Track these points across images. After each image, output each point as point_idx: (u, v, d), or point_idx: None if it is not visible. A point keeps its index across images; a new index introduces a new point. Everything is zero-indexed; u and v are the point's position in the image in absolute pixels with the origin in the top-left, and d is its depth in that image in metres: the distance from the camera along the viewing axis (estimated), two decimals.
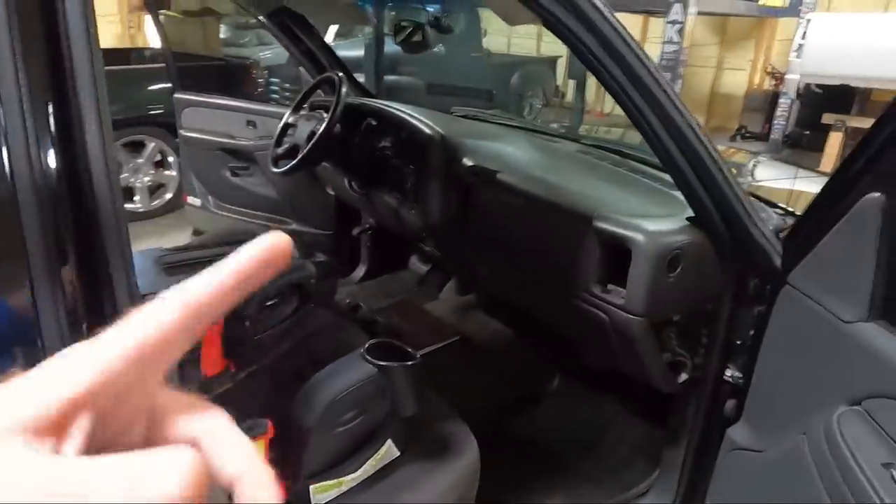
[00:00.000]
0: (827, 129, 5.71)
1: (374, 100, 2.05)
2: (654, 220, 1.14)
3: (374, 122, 1.80)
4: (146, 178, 4.14)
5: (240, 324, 1.26)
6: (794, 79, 5.74)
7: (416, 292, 2.35)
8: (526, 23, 0.95)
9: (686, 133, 1.00)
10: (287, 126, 2.00)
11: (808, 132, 6.88)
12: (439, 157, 1.52)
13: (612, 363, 1.35)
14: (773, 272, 1.13)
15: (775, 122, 6.93)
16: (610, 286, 1.17)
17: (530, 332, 1.84)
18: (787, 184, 1.66)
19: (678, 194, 1.31)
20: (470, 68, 7.67)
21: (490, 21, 7.66)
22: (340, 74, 1.85)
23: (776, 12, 6.57)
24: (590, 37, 0.89)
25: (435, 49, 7.19)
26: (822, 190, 0.93)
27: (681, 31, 3.62)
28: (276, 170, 1.90)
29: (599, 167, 1.53)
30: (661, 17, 5.30)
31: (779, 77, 7.69)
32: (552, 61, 9.01)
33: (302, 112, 2.01)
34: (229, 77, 4.58)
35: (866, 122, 5.68)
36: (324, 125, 1.76)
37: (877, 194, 0.80)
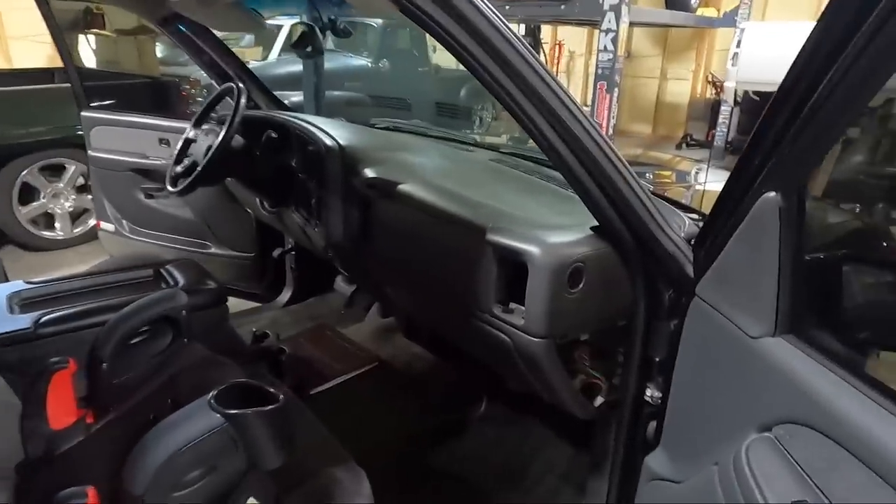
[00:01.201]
0: None
1: (280, 111, 1.92)
2: (555, 231, 1.03)
3: (274, 135, 1.67)
4: (67, 204, 3.89)
5: (96, 366, 1.10)
6: (731, 86, 5.85)
7: (342, 315, 2.21)
8: (382, 12, 0.84)
9: (578, 134, 0.90)
10: (188, 142, 1.85)
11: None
12: (337, 170, 1.39)
13: (528, 388, 1.24)
14: (686, 282, 1.04)
15: (717, 129, 7.07)
16: (512, 305, 1.06)
17: (453, 354, 1.72)
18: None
19: None
20: (417, 83, 7.61)
21: None
22: (240, 85, 1.71)
23: (712, 22, 6.72)
24: (455, 26, 0.78)
25: (380, 64, 7.13)
26: (722, 191, 0.84)
27: (615, 41, 3.60)
28: (172, 189, 1.75)
29: (509, 175, 1.42)
30: None
31: (719, 85, 7.88)
32: None
33: (205, 127, 1.86)
34: (156, 95, 4.38)
35: None
36: (219, 139, 1.62)
37: (773, 194, 0.71)
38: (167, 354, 1.15)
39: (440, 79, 8.09)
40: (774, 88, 0.67)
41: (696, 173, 2.01)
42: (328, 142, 1.43)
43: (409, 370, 1.74)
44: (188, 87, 4.80)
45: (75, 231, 3.93)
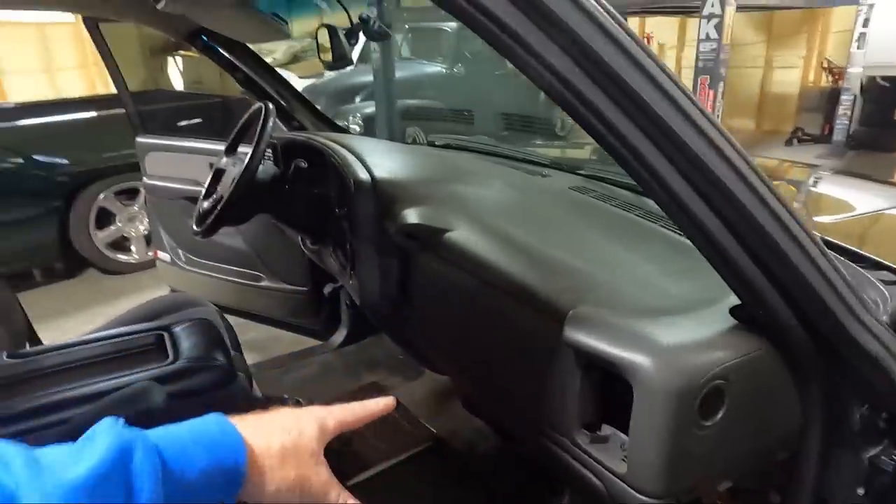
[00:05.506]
0: None
1: (321, 133, 1.65)
2: (674, 321, 0.66)
3: (303, 164, 1.39)
4: (142, 227, 3.89)
5: None
6: (856, 72, 5.05)
7: (400, 362, 1.91)
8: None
9: (712, 164, 0.53)
10: (219, 173, 1.62)
11: (876, 129, 6.11)
12: (369, 211, 1.08)
13: None
14: (893, 400, 0.64)
15: (837, 121, 6.19)
16: (606, 429, 0.69)
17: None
18: None
19: None
20: (493, 88, 7.26)
21: None
22: (268, 105, 1.45)
23: (832, 1, 5.88)
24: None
25: (454, 70, 6.84)
26: None
27: (719, 27, 3.09)
28: (196, 229, 1.51)
29: (597, 213, 1.05)
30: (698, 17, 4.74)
31: (837, 72, 6.95)
32: None
33: (240, 153, 1.62)
34: (225, 115, 4.31)
35: None
36: (241, 170, 1.36)
37: None
38: None
39: (518, 83, 7.71)
40: None
41: (816, 182, 1.49)
42: (359, 174, 1.12)
43: (472, 451, 1.40)
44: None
45: (150, 254, 3.92)
